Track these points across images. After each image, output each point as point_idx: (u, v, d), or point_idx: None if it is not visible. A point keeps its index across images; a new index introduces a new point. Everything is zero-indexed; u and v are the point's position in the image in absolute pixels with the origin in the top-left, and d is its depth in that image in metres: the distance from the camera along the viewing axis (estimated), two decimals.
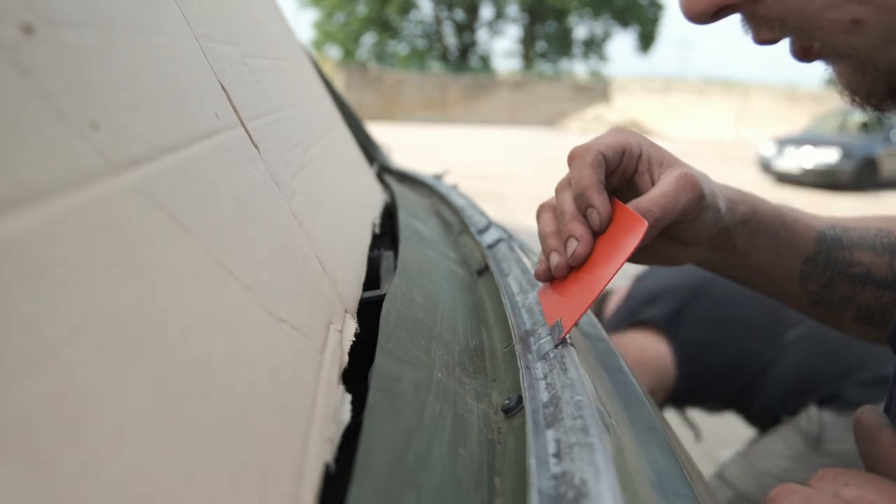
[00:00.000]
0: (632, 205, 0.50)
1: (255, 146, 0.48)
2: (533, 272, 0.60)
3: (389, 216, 0.93)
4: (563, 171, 0.53)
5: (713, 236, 0.57)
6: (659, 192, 0.51)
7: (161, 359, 0.22)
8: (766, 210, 0.59)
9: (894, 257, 0.59)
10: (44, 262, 0.19)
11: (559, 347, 0.44)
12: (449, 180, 1.31)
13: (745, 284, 0.62)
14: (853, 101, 0.39)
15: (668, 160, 0.55)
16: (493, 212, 0.82)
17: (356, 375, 0.40)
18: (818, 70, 0.39)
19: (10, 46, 0.23)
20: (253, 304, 0.31)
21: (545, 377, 0.39)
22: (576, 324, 0.47)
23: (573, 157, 0.53)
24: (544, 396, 0.36)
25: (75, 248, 0.21)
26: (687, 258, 0.58)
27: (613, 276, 0.48)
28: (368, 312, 0.50)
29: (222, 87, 0.48)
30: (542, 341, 0.45)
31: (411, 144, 11.84)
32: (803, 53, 0.38)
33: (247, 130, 0.48)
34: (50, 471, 0.16)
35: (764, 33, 0.39)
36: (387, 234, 0.87)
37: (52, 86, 0.25)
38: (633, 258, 0.56)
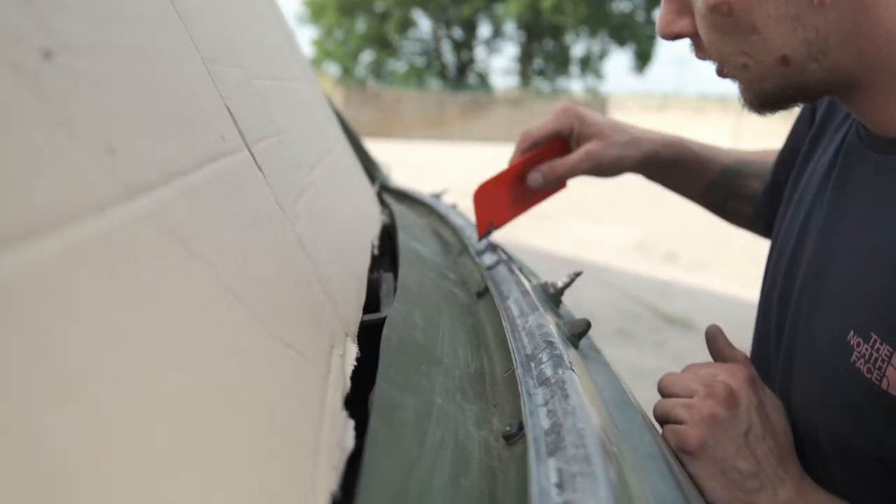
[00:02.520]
0: (549, 163, 0.85)
1: (260, 169, 0.49)
2: (533, 295, 0.61)
3: (389, 236, 0.93)
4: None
5: (633, 170, 0.88)
6: (567, 161, 0.85)
7: (176, 386, 0.22)
8: (685, 153, 0.88)
9: None
10: (64, 290, 0.19)
11: (483, 240, 0.85)
12: (448, 199, 1.32)
13: (668, 189, 0.94)
14: (742, 105, 0.61)
15: (592, 135, 0.85)
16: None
17: (353, 395, 0.40)
18: None
19: (30, 72, 0.24)
20: (261, 329, 0.31)
21: (546, 403, 0.39)
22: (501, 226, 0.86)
23: (519, 138, 0.87)
24: (546, 424, 0.37)
25: (93, 274, 0.21)
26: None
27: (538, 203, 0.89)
28: (367, 335, 0.51)
29: (228, 110, 0.49)
30: (542, 366, 0.45)
31: (410, 162, 11.86)
32: (719, 72, 0.60)
33: (252, 153, 0.49)
34: (66, 497, 0.16)
35: (700, 55, 0.62)
36: (386, 255, 0.88)
37: (71, 111, 0.25)
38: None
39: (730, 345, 0.67)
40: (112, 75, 0.31)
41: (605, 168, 0.85)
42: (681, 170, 0.89)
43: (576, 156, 0.84)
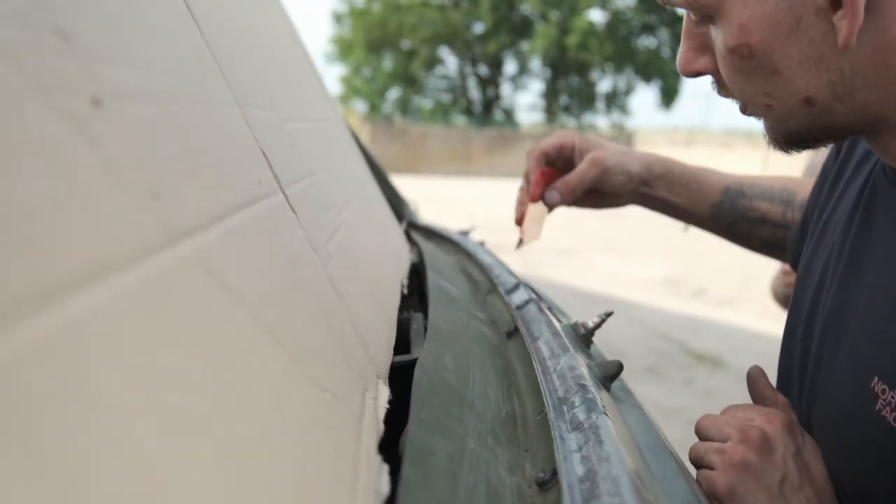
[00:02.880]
0: (561, 179, 0.88)
1: (294, 211, 0.49)
2: (563, 335, 0.61)
3: (418, 274, 0.93)
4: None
5: (637, 186, 0.89)
6: (575, 173, 0.88)
7: (220, 432, 0.22)
8: (679, 169, 0.90)
9: (788, 207, 0.87)
10: (112, 337, 0.20)
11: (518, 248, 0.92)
12: (476, 236, 1.32)
13: (675, 217, 0.93)
14: (768, 143, 0.61)
15: (592, 147, 0.89)
16: (518, 264, 0.87)
17: (384, 438, 0.40)
18: None
19: (82, 119, 0.24)
20: (299, 374, 0.31)
21: (580, 449, 0.39)
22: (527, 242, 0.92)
23: (528, 154, 0.92)
24: (580, 470, 0.36)
25: (139, 320, 0.22)
26: (623, 203, 0.92)
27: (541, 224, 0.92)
28: (397, 376, 0.51)
29: (263, 153, 0.50)
30: (575, 410, 0.45)
31: (436, 198, 11.93)
32: (742, 110, 0.61)
33: (286, 196, 0.50)
34: None
35: (722, 92, 0.62)
36: (415, 294, 0.88)
37: (119, 157, 0.26)
38: (586, 204, 0.93)
39: (771, 387, 0.66)
40: (156, 121, 0.32)
41: (611, 174, 0.87)
42: (681, 187, 0.90)
43: (582, 165, 0.88)
